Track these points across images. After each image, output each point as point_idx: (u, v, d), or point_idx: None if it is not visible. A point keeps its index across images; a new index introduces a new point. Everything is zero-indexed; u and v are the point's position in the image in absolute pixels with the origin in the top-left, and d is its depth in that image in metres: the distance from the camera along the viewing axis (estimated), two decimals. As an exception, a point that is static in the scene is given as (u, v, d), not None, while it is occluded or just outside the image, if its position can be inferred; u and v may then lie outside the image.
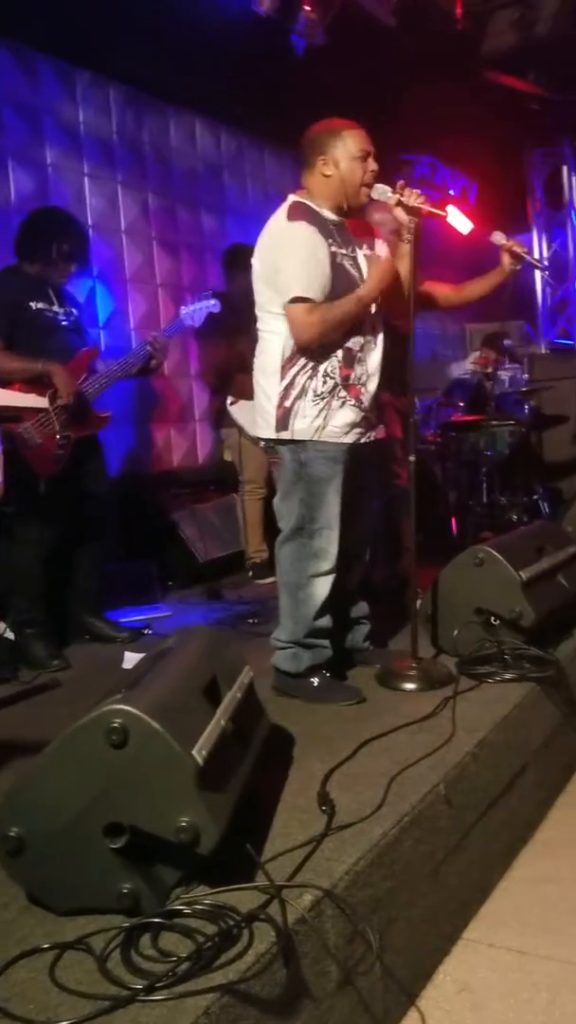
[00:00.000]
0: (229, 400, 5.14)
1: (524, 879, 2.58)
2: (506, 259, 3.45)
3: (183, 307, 4.37)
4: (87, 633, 4.02)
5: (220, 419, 5.43)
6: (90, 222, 5.45)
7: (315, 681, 3.03)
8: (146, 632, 4.07)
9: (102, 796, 1.70)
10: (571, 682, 3.22)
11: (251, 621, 4.19)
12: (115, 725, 1.69)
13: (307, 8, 5.48)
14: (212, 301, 4.32)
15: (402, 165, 8.23)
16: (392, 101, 6.88)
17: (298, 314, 2.89)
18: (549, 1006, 2.02)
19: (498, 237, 3.48)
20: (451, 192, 9.15)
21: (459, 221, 9.11)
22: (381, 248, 3.21)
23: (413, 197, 2.98)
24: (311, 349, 2.94)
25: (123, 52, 5.40)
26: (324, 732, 2.70)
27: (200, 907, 1.71)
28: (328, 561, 3.00)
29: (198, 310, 4.29)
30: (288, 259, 2.91)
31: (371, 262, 3.04)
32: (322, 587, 3.01)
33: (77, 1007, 1.47)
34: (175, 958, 1.56)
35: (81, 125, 5.48)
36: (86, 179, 5.49)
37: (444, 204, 8.93)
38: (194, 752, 1.73)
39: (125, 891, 1.70)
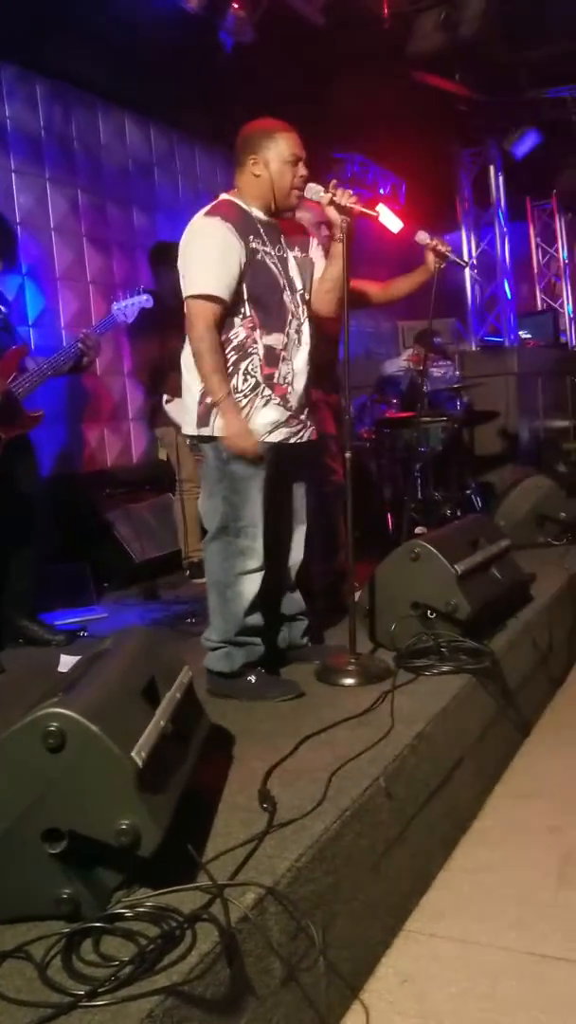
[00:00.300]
0: (165, 398, 5.10)
1: (463, 869, 2.61)
2: (430, 258, 3.51)
3: (115, 303, 4.33)
4: (21, 637, 3.96)
5: (155, 417, 5.39)
6: (18, 219, 5.37)
7: (251, 679, 3.03)
8: (82, 634, 4.02)
9: (39, 801, 1.67)
10: (506, 673, 3.26)
11: (189, 621, 4.16)
12: (52, 729, 1.66)
13: (235, 6, 5.47)
14: (144, 297, 4.29)
15: (334, 163, 8.27)
16: (322, 100, 6.91)
17: (196, 309, 2.89)
18: (490, 992, 2.05)
19: (422, 236, 3.54)
20: (382, 191, 9.23)
21: (390, 220, 9.19)
22: (315, 250, 3.22)
23: (345, 197, 3.00)
24: (230, 346, 2.95)
25: (51, 47, 5.35)
26: (263, 729, 2.70)
27: (142, 910, 1.70)
28: (255, 559, 3.00)
29: (130, 306, 4.26)
30: (196, 253, 2.92)
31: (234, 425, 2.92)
32: (250, 585, 3.01)
33: (18, 1016, 1.44)
34: (117, 962, 1.55)
35: (8, 120, 5.39)
36: (13, 175, 5.41)
37: (375, 203, 9.02)
38: (133, 754, 1.72)
39: (65, 896, 1.68)
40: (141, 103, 6.35)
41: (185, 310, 2.95)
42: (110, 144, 6.17)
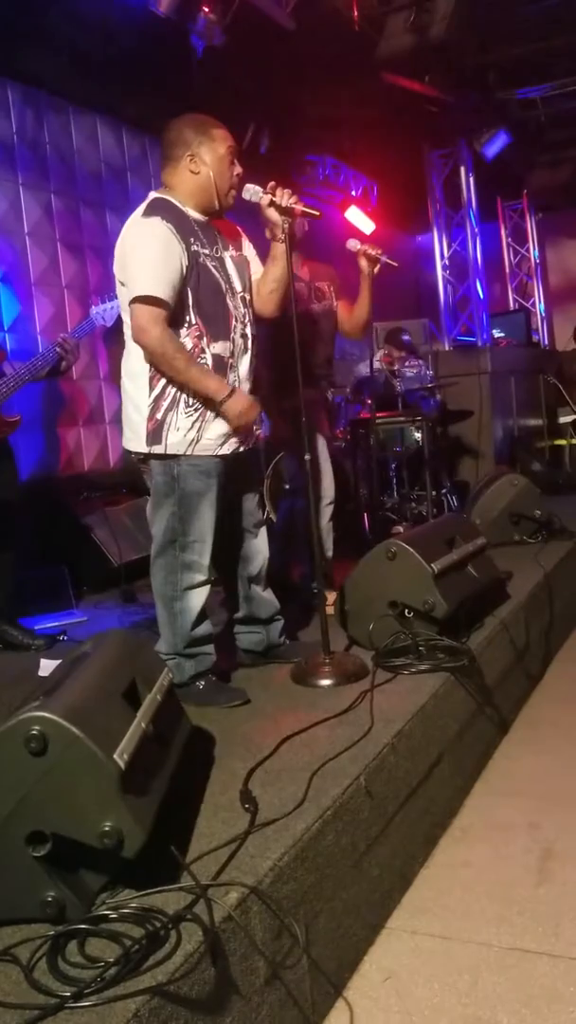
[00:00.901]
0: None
1: (444, 865, 2.64)
2: (363, 263, 3.58)
3: (93, 307, 4.31)
4: (0, 642, 3.95)
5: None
6: (-9, 224, 5.36)
7: (200, 685, 3.03)
8: (61, 638, 4.02)
9: (23, 805, 1.68)
10: (484, 671, 3.29)
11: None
12: (34, 732, 1.67)
13: (206, 9, 5.47)
14: None
15: (306, 166, 8.30)
16: (293, 102, 6.94)
17: (142, 314, 2.79)
18: (472, 988, 2.07)
19: (352, 244, 3.62)
20: (353, 192, 9.26)
21: (361, 221, 9.23)
22: (249, 250, 3.17)
23: (285, 197, 2.97)
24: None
25: (22, 52, 5.32)
26: (243, 730, 2.71)
27: (126, 911, 1.71)
28: (202, 572, 2.99)
29: (109, 309, 4.24)
30: (138, 255, 2.82)
31: (244, 408, 2.91)
32: (197, 598, 3.00)
33: (5, 1018, 1.45)
34: (103, 963, 1.56)
35: (-21, 126, 5.37)
36: (-15, 180, 5.40)
37: (347, 204, 9.05)
38: (115, 756, 1.73)
39: (50, 899, 1.69)
40: (113, 107, 6.34)
41: (130, 316, 2.84)
42: (83, 149, 6.16)
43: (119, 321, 4.37)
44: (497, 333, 9.73)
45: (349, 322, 3.99)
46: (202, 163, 2.91)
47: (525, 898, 2.41)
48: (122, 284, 2.90)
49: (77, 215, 6.09)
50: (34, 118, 5.74)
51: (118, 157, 6.53)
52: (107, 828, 1.66)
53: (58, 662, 2.37)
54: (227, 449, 2.99)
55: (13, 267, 5.52)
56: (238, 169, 2.98)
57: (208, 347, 2.91)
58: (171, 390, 2.89)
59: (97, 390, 6.21)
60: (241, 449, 3.05)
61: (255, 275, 3.14)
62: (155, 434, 2.91)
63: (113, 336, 5.23)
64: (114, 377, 5.89)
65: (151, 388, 2.90)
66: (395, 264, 3.76)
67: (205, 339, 2.91)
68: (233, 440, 3.00)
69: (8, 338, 5.39)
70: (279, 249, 3.04)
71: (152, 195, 2.95)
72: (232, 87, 6.20)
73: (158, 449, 2.91)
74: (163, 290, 2.79)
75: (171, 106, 6.11)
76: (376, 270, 3.63)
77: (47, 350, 4.02)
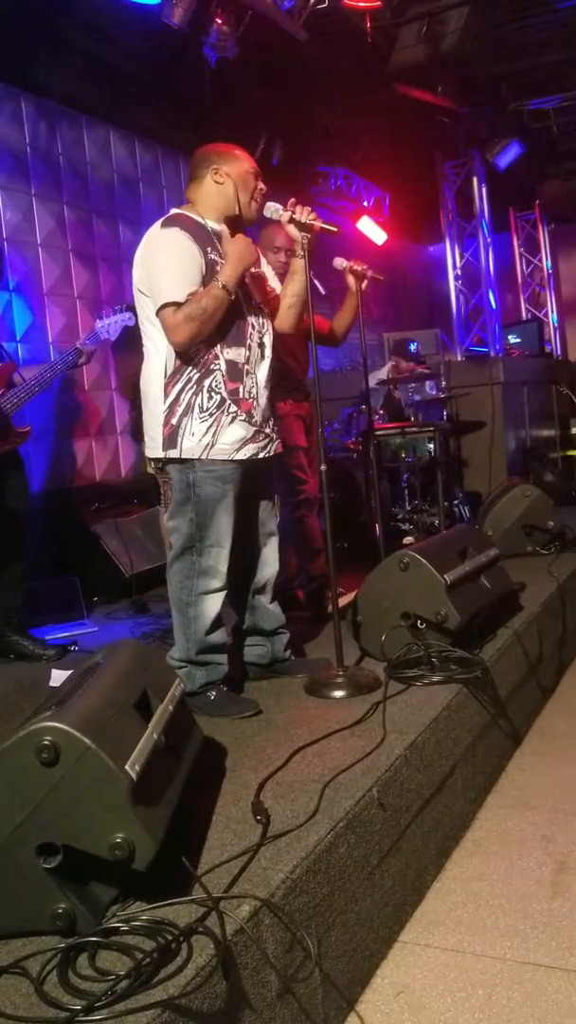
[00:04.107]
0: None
1: (457, 879, 2.62)
2: (350, 280, 3.59)
3: (98, 321, 4.35)
4: (11, 652, 3.95)
5: (140, 431, 5.39)
6: (4, 235, 5.38)
7: (212, 695, 3.03)
8: (72, 649, 4.02)
9: (34, 816, 1.67)
10: (497, 683, 3.27)
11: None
12: (45, 743, 1.67)
13: (219, 21, 5.50)
14: (127, 315, 4.30)
15: (318, 177, 8.31)
16: (306, 113, 6.96)
17: (167, 317, 2.85)
18: (486, 1002, 2.05)
19: (339, 262, 3.64)
20: (365, 203, 9.27)
21: (373, 232, 9.24)
22: (265, 267, 3.25)
23: (305, 214, 3.03)
24: (191, 362, 2.92)
25: (36, 63, 5.36)
26: (255, 742, 2.70)
27: (137, 923, 1.70)
28: (218, 579, 3.00)
29: (113, 324, 4.28)
30: (159, 265, 2.89)
31: (226, 243, 2.96)
32: (212, 604, 3.01)
33: (15, 1032, 1.44)
34: (114, 976, 1.55)
35: (-7, 137, 5.40)
36: (0, 192, 5.42)
37: (359, 215, 9.07)
38: (127, 767, 1.72)
39: (60, 911, 1.68)
40: (126, 119, 6.37)
41: (161, 323, 2.88)
42: (95, 160, 6.18)
43: (131, 332, 4.41)
44: (513, 338, 9.70)
45: (332, 335, 4.01)
46: (226, 175, 2.99)
47: (539, 911, 2.39)
48: (142, 294, 2.95)
49: (89, 226, 6.11)
50: (47, 129, 5.76)
51: (131, 168, 6.55)
52: (118, 840, 1.66)
53: (69, 673, 2.37)
54: (244, 454, 3.00)
55: (26, 277, 5.54)
56: (262, 186, 3.06)
57: (222, 352, 2.95)
58: (185, 396, 2.92)
59: (108, 401, 6.22)
60: (260, 456, 3.06)
61: (273, 289, 3.20)
62: (171, 439, 2.95)
63: (124, 347, 5.24)
64: (124, 388, 5.90)
65: (166, 395, 2.94)
66: (381, 278, 3.78)
67: (219, 345, 2.94)
68: (250, 446, 3.02)
69: (20, 348, 5.41)
70: (298, 264, 3.10)
71: (173, 211, 3.03)
72: (244, 98, 6.22)
73: (173, 454, 2.95)
74: (185, 295, 2.84)
75: (184, 118, 6.22)
76: (364, 286, 3.65)
77: (56, 360, 4.05)
